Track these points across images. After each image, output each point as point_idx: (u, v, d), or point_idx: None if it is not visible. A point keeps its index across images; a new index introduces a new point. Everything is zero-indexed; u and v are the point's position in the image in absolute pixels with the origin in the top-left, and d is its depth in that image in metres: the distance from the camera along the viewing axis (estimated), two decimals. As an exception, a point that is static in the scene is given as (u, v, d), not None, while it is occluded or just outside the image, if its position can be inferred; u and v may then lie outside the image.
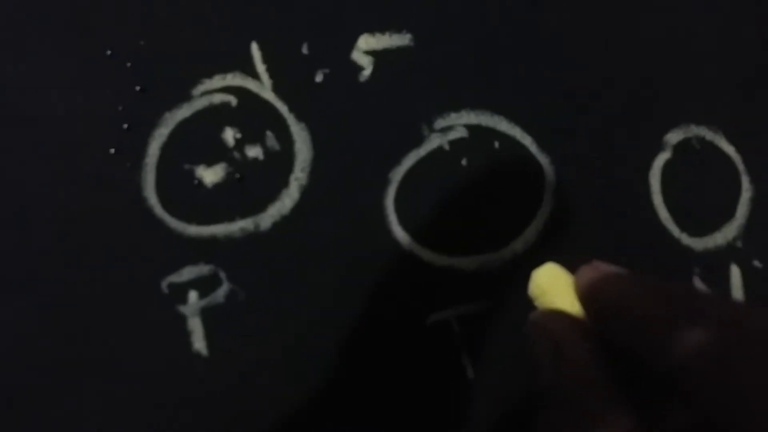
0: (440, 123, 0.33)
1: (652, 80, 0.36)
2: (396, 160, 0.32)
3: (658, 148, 0.35)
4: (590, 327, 0.23)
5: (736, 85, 0.37)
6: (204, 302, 0.29)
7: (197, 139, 0.31)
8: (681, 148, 0.35)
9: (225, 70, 0.31)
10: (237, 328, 0.29)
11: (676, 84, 0.36)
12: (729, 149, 0.36)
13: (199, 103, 0.31)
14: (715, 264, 0.35)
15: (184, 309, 0.29)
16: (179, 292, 0.29)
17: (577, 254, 0.26)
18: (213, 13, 0.32)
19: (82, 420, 0.28)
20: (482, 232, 0.32)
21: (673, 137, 0.35)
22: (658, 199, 0.35)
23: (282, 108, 0.31)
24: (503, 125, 0.33)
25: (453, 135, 0.33)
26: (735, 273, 0.35)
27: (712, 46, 0.37)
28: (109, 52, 0.30)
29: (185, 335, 0.29)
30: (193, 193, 0.30)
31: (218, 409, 0.29)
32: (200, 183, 0.30)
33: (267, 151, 0.31)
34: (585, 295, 0.24)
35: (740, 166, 0.36)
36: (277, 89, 0.31)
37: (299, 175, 0.31)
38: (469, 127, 0.33)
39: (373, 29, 0.33)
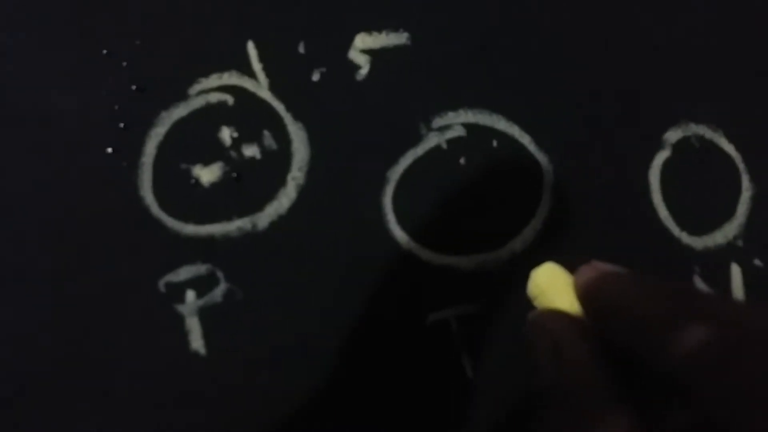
0: (438, 122, 0.33)
1: (652, 78, 0.36)
2: (394, 160, 0.32)
3: (658, 146, 0.35)
4: (589, 327, 0.23)
5: (736, 83, 0.37)
6: (202, 302, 0.29)
7: (194, 139, 0.30)
8: (680, 146, 0.35)
9: (221, 69, 0.31)
10: (235, 327, 0.29)
11: (675, 82, 0.36)
12: (729, 148, 0.36)
13: (195, 102, 0.31)
14: (715, 263, 0.34)
15: (181, 308, 0.29)
16: (177, 292, 0.29)
17: (576, 253, 0.26)
18: (209, 12, 0.32)
19: (81, 419, 0.28)
20: (481, 232, 0.32)
21: (673, 136, 0.35)
22: (657, 198, 0.34)
23: (279, 107, 0.31)
24: (501, 124, 0.33)
25: (451, 134, 0.33)
26: (735, 272, 0.35)
27: (711, 45, 0.37)
28: (105, 52, 0.30)
29: (183, 335, 0.29)
30: (190, 192, 0.30)
31: (216, 409, 0.29)
32: (197, 182, 0.30)
33: (264, 151, 0.31)
34: (584, 295, 0.24)
35: (740, 165, 0.36)
36: (273, 88, 0.31)
37: (296, 175, 0.31)
38: (467, 126, 0.33)
39: (369, 28, 0.33)
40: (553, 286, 0.24)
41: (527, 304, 0.26)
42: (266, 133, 0.31)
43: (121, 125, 0.30)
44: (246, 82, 0.31)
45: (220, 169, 0.30)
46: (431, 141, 0.33)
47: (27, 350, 0.28)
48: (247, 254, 0.30)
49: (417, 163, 0.32)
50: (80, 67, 0.30)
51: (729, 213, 0.35)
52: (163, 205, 0.30)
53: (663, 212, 0.34)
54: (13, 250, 0.29)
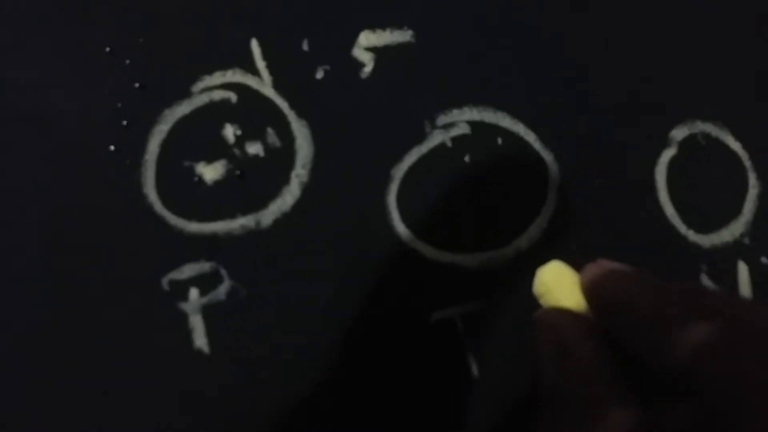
0: (442, 119, 0.33)
1: (657, 76, 0.35)
2: (398, 157, 0.32)
3: (664, 144, 0.35)
4: (595, 325, 0.23)
5: (743, 80, 0.37)
6: (205, 300, 0.29)
7: (197, 136, 0.30)
8: (687, 144, 0.35)
9: (225, 66, 0.31)
10: (238, 325, 0.29)
11: (681, 79, 0.36)
12: (735, 145, 0.36)
13: (198, 100, 0.31)
14: (722, 261, 0.34)
15: (185, 306, 0.29)
16: (180, 290, 0.29)
17: (581, 251, 0.26)
18: (212, 9, 0.31)
19: (83, 418, 0.28)
20: (486, 230, 0.32)
21: (679, 133, 0.35)
22: (664, 196, 0.34)
23: (282, 105, 0.31)
24: (506, 121, 0.33)
25: (455, 131, 0.33)
26: (742, 270, 0.34)
27: (718, 42, 0.37)
28: (108, 49, 0.30)
29: (186, 333, 0.29)
30: (193, 190, 0.30)
31: (220, 407, 0.29)
32: (200, 180, 0.30)
33: (268, 148, 0.31)
34: (590, 293, 0.24)
35: (747, 163, 0.36)
36: (277, 86, 0.31)
37: (300, 172, 0.31)
38: (472, 124, 0.33)
39: (373, 25, 0.33)
40: (559, 285, 0.24)
41: (533, 302, 0.26)
42: (270, 130, 0.31)
43: (124, 123, 0.30)
44: (249, 80, 0.31)
45: (224, 167, 0.30)
46: (436, 139, 0.32)
47: (28, 349, 0.28)
48: (251, 252, 0.30)
49: (421, 160, 0.32)
50: (82, 65, 0.30)
51: (736, 211, 0.35)
52: (166, 203, 0.30)
53: (669, 210, 0.34)
54: (14, 249, 0.28)
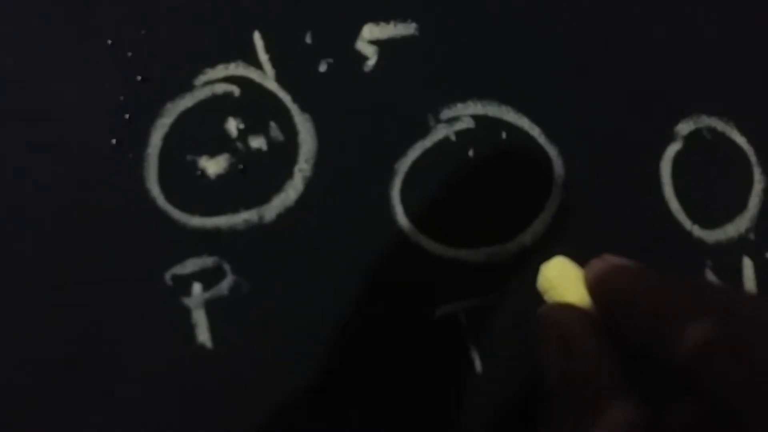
0: (446, 113, 0.33)
1: (663, 70, 0.35)
2: (402, 151, 0.32)
3: (669, 139, 0.35)
4: (599, 321, 0.23)
5: (748, 75, 0.36)
6: (208, 294, 0.29)
7: (200, 130, 0.30)
8: (692, 139, 0.35)
9: (227, 59, 0.31)
10: (241, 320, 0.29)
11: (686, 74, 0.35)
12: (741, 140, 0.35)
13: (201, 93, 0.31)
14: (727, 256, 0.34)
15: (188, 301, 0.29)
16: (183, 285, 0.29)
17: (586, 247, 0.25)
18: (215, 2, 0.31)
19: (86, 413, 0.28)
20: (490, 224, 0.32)
21: (684, 128, 0.35)
22: (668, 191, 0.34)
23: (285, 98, 0.31)
24: (510, 116, 0.33)
25: (459, 126, 0.33)
26: (747, 265, 0.34)
27: (725, 36, 0.36)
28: (110, 42, 0.30)
29: (189, 328, 0.29)
30: (196, 184, 0.30)
31: (223, 402, 0.29)
32: (203, 174, 0.30)
33: (271, 142, 0.31)
34: (594, 288, 0.24)
35: (752, 158, 0.35)
36: (280, 79, 0.31)
37: (303, 167, 0.31)
38: (476, 118, 0.33)
39: (377, 18, 0.33)
40: (563, 281, 0.24)
41: (536, 297, 0.26)
42: (273, 124, 0.31)
43: (126, 116, 0.30)
44: (252, 73, 0.31)
45: (227, 161, 0.30)
46: (440, 133, 0.32)
47: (30, 344, 0.28)
48: (254, 247, 0.30)
49: (425, 155, 0.32)
50: (84, 58, 0.30)
51: (741, 206, 0.35)
52: (169, 197, 0.30)
53: (674, 205, 0.34)
54: (17, 242, 0.28)
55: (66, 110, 0.29)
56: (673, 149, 0.35)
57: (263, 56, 0.31)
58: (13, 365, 0.28)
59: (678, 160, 0.34)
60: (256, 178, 0.30)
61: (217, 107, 0.31)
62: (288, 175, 0.31)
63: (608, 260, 0.24)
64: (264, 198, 0.30)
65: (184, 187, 0.30)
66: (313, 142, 0.31)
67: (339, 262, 0.30)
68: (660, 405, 0.21)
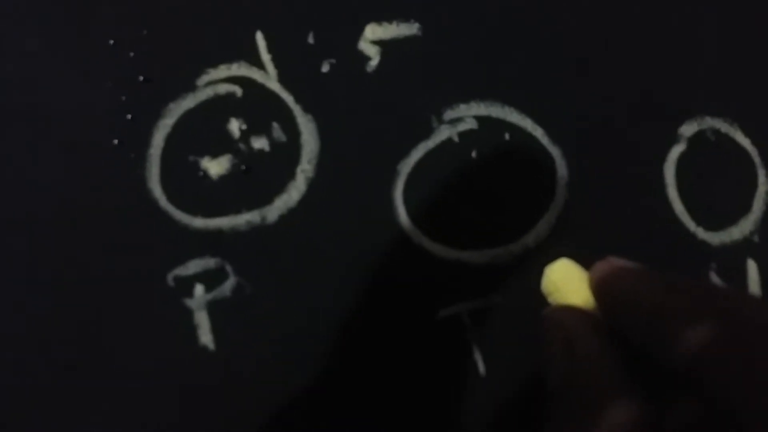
0: (449, 114, 0.32)
1: (667, 71, 0.35)
2: (404, 152, 0.32)
3: (673, 140, 0.35)
4: (603, 322, 0.23)
5: (752, 76, 0.36)
6: (210, 296, 0.29)
7: (202, 130, 0.30)
8: (696, 140, 0.35)
9: (230, 60, 0.31)
10: (244, 321, 0.29)
11: (690, 75, 0.35)
12: (745, 142, 0.35)
13: (203, 94, 0.30)
14: (731, 258, 0.34)
15: (190, 303, 0.29)
16: (185, 286, 0.29)
17: (590, 248, 0.25)
18: (217, 1, 0.31)
19: (87, 413, 0.28)
20: (493, 226, 0.32)
21: (688, 129, 0.35)
22: (672, 193, 0.34)
23: (288, 99, 0.31)
24: (514, 116, 0.33)
25: (462, 126, 0.32)
26: (752, 267, 0.34)
27: (728, 37, 0.36)
28: (111, 42, 0.30)
29: (191, 329, 0.29)
30: (198, 185, 0.30)
31: (225, 403, 0.29)
32: (205, 175, 0.30)
33: (273, 143, 0.31)
34: (598, 290, 0.24)
35: (756, 159, 0.35)
36: (282, 80, 0.31)
37: (306, 167, 0.31)
38: (479, 119, 0.33)
39: (380, 18, 0.32)
40: (567, 283, 0.24)
41: (540, 299, 0.26)
42: (275, 125, 0.31)
43: (128, 117, 0.30)
44: (254, 73, 0.31)
45: (229, 162, 0.30)
46: (443, 134, 0.32)
47: (32, 344, 0.28)
48: (257, 248, 0.30)
49: (428, 156, 0.32)
50: (86, 58, 0.30)
51: (745, 208, 0.35)
52: (171, 198, 0.29)
53: (678, 207, 0.34)
54: (18, 242, 0.28)
55: (68, 110, 0.29)
56: (677, 151, 0.34)
57: (265, 56, 0.31)
58: (14, 365, 0.28)
59: (682, 162, 0.34)
60: (258, 178, 0.30)
61: (219, 108, 0.30)
62: (290, 175, 0.31)
63: (612, 262, 0.24)
64: (266, 199, 0.30)
65: (187, 188, 0.30)
66: (316, 142, 0.31)
67: (342, 263, 0.30)
68: (662, 405, 0.21)
